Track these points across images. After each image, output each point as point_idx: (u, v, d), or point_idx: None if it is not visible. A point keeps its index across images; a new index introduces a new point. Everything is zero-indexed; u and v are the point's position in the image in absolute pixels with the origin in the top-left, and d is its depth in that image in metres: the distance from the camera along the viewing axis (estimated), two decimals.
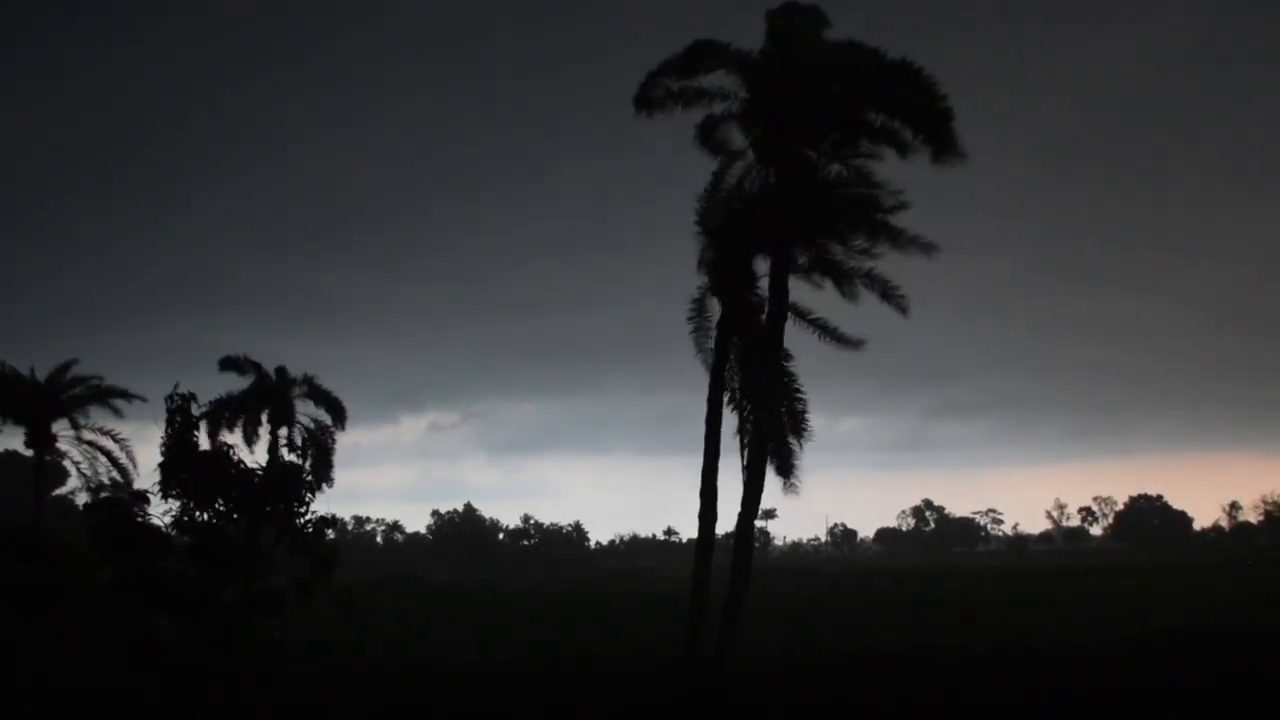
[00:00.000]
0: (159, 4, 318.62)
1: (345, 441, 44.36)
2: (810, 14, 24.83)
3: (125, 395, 49.01)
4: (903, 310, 25.66)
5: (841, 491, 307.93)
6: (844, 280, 25.73)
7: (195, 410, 20.12)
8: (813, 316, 26.72)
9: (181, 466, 19.74)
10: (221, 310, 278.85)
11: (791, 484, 26.66)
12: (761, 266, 25.73)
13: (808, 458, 27.29)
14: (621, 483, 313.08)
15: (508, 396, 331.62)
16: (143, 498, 21.21)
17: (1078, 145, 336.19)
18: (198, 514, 19.92)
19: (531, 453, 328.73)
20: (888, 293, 25.61)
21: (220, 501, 19.98)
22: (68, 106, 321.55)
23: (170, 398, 19.77)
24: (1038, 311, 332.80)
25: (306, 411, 44.60)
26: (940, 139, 23.31)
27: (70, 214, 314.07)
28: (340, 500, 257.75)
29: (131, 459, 48.80)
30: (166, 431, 19.88)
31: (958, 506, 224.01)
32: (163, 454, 19.98)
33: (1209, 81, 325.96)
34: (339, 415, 43.93)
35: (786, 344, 26.16)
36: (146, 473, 51.31)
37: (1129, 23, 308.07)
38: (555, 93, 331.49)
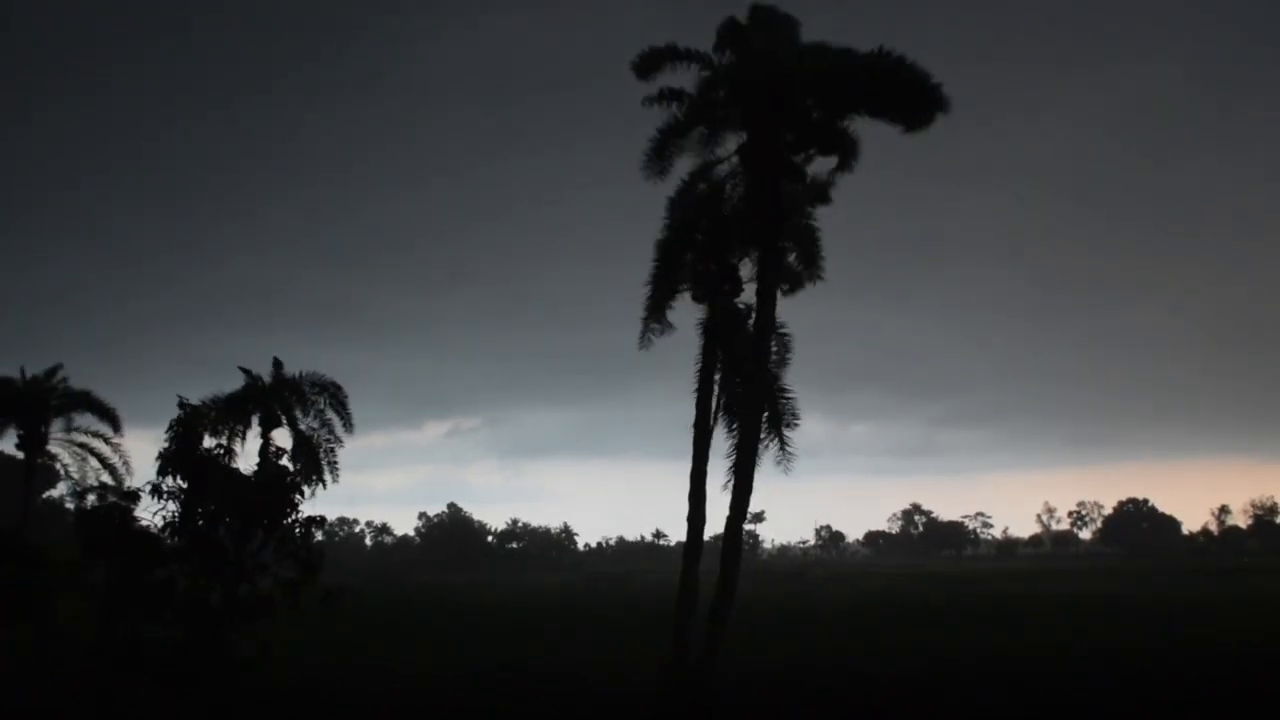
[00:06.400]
0: (223, 28, 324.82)
1: (357, 445, 43.71)
2: (781, 18, 25.19)
3: (105, 411, 48.76)
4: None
5: (839, 495, 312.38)
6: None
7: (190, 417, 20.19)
8: (783, 331, 26.90)
9: (178, 470, 19.81)
10: (265, 321, 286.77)
11: (787, 459, 27.00)
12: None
13: (805, 461, 27.75)
14: (627, 487, 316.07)
15: (535, 404, 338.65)
16: (133, 496, 21.27)
17: (1081, 161, 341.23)
18: (190, 518, 19.97)
19: (542, 457, 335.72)
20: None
21: (212, 505, 20.04)
22: (136, 126, 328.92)
23: (175, 418, 19.92)
24: (1045, 323, 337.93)
25: (304, 416, 44.04)
26: (923, 111, 23.53)
27: (132, 227, 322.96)
28: (345, 502, 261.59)
29: (126, 463, 48.61)
30: (167, 436, 19.99)
31: (953, 511, 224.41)
32: (159, 457, 20.06)
33: (1204, 110, 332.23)
34: (344, 418, 43.46)
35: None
36: (140, 476, 50.87)
37: (1137, 57, 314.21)
38: (581, 115, 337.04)
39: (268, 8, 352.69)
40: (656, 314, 26.13)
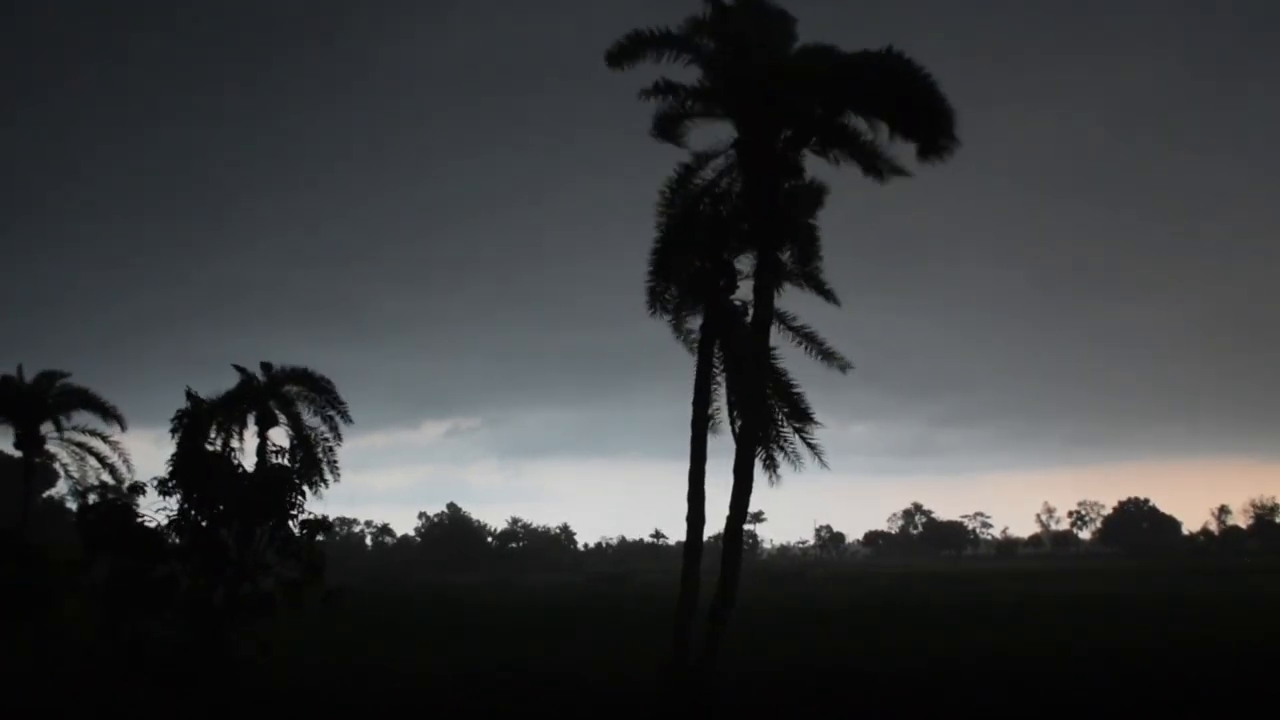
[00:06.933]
0: (211, 33, 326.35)
1: (357, 445, 43.80)
2: (775, 12, 25.12)
3: (108, 411, 48.80)
4: (835, 302, 26.02)
5: (839, 495, 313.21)
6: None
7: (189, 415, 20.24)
8: (797, 324, 26.87)
9: (188, 467, 19.84)
10: (264, 321, 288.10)
11: (820, 455, 27.32)
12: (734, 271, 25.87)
13: (806, 461, 27.67)
14: (627, 487, 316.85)
15: (535, 404, 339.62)
16: (138, 490, 21.32)
17: (1081, 161, 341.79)
18: (194, 515, 20.00)
19: (542, 457, 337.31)
20: (823, 291, 25.83)
21: (217, 504, 20.06)
22: (124, 126, 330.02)
23: (181, 411, 19.97)
24: (1045, 323, 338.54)
25: (301, 413, 44.15)
26: (933, 138, 23.23)
27: (131, 227, 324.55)
28: (345, 502, 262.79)
29: (126, 461, 48.69)
30: (174, 429, 20.07)
31: (953, 511, 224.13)
32: (173, 459, 20.11)
33: (1206, 107, 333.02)
34: (339, 412, 43.56)
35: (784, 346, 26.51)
36: (140, 475, 50.92)
37: (1134, 52, 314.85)
38: (582, 113, 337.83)
39: (267, 6, 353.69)
40: (661, 308, 26.13)
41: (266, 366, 43.92)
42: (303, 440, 42.85)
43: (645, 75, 24.43)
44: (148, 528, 20.28)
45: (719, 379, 26.89)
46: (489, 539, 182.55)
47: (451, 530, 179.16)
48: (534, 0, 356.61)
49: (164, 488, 20.07)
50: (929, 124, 23.14)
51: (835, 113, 24.63)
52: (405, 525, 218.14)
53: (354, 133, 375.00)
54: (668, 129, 24.80)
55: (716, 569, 24.50)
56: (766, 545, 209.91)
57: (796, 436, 27.55)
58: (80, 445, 49.53)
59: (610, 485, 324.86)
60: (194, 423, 20.23)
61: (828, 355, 26.93)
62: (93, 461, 49.38)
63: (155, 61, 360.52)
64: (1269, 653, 35.63)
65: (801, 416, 27.37)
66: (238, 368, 43.78)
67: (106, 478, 48.24)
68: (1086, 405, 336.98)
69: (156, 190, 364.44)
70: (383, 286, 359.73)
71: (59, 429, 49.32)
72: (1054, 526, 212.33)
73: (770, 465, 27.25)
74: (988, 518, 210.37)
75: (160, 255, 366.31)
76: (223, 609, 20.22)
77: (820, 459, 27.44)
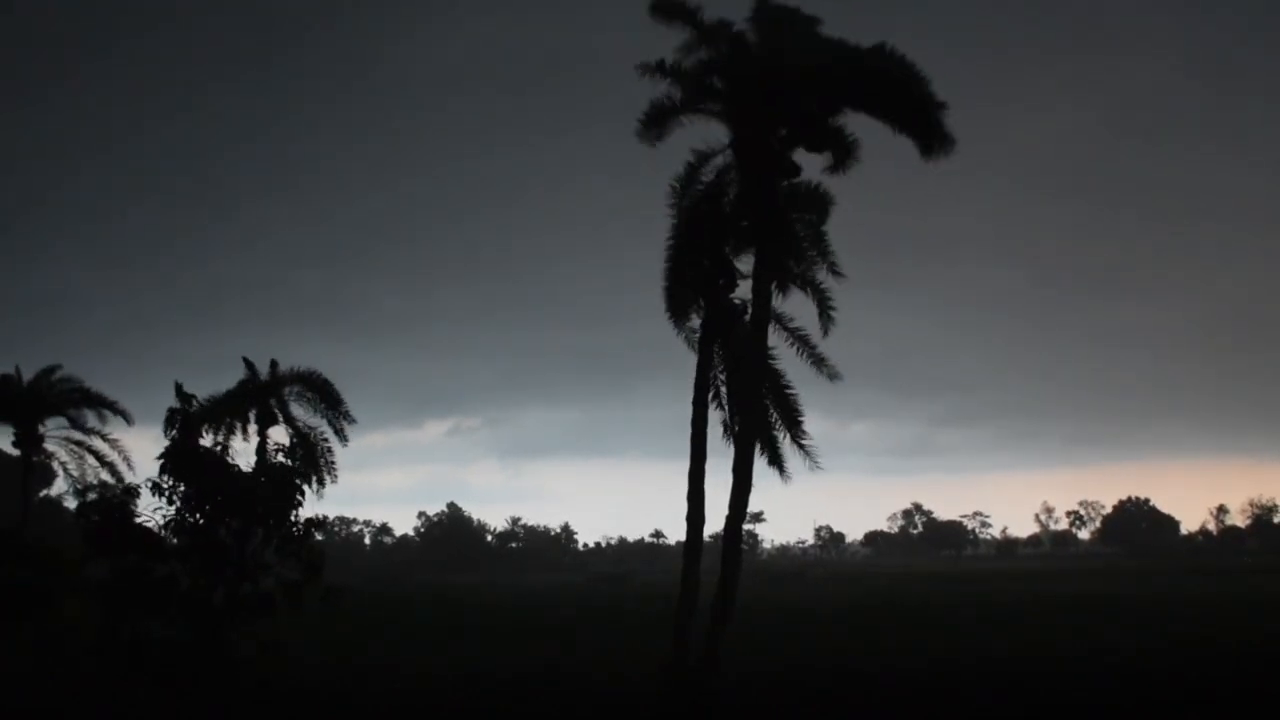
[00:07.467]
0: (211, 33, 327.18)
1: (357, 444, 43.53)
2: (803, 19, 25.07)
3: (111, 406, 48.79)
4: (827, 324, 25.63)
5: (839, 495, 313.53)
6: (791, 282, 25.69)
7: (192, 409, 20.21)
8: (793, 325, 26.80)
9: (178, 467, 19.79)
10: (265, 321, 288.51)
11: (813, 458, 26.93)
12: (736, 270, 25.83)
13: (806, 461, 27.49)
14: (627, 487, 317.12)
15: (535, 404, 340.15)
16: (133, 492, 21.29)
17: (1081, 160, 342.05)
18: (190, 516, 19.96)
19: (542, 457, 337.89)
20: (822, 304, 25.55)
21: (212, 503, 20.02)
22: (124, 125, 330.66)
23: (173, 407, 19.91)
24: (1046, 323, 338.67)
25: (302, 414, 44.14)
26: (927, 133, 23.32)
27: (131, 227, 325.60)
28: (345, 502, 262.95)
29: (127, 460, 48.65)
30: (165, 429, 20.02)
31: (953, 511, 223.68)
32: (162, 455, 20.05)
33: (1205, 106, 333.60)
34: (340, 412, 43.54)
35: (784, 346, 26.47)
36: (141, 474, 50.80)
37: (1134, 51, 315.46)
38: (582, 111, 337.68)
39: (268, 5, 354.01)
40: (679, 313, 26.05)
41: (274, 365, 43.91)
42: (302, 439, 42.79)
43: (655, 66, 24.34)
44: (147, 527, 20.27)
45: (720, 378, 26.89)
46: (489, 539, 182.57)
47: (451, 530, 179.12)
48: (535, 0, 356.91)
49: (157, 488, 20.00)
50: (924, 121, 23.31)
51: (831, 111, 24.63)
52: (405, 525, 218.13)
53: (355, 132, 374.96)
54: (655, 124, 24.57)
55: (716, 569, 24.47)
56: (766, 545, 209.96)
57: (788, 438, 27.46)
58: (79, 444, 49.52)
59: (610, 485, 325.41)
60: (186, 419, 20.14)
61: (818, 360, 26.70)
62: (91, 460, 49.37)
63: (155, 61, 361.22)
64: (1269, 653, 35.63)
65: (792, 420, 27.24)
66: (246, 360, 43.77)
67: (106, 476, 48.24)
68: (1086, 405, 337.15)
69: (156, 190, 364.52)
70: (383, 285, 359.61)
71: (72, 423, 49.28)
72: (1054, 526, 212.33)
73: (775, 461, 27.18)
74: (987, 518, 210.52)
75: (160, 255, 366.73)
76: (223, 609, 20.21)
77: (814, 461, 27.14)
